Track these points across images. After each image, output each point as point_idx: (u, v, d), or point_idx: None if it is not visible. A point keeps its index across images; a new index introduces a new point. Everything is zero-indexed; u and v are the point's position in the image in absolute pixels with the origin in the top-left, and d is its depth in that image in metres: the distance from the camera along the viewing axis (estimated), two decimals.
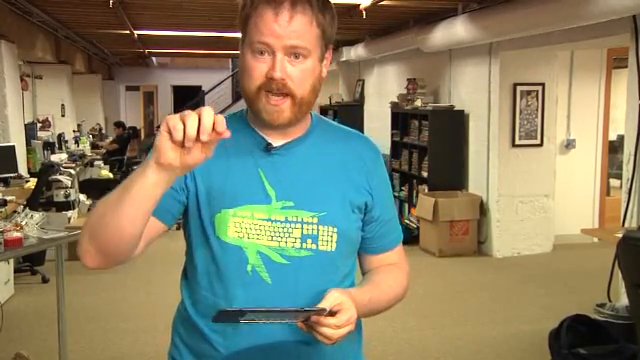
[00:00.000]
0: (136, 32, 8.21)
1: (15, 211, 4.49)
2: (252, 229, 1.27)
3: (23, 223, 3.54)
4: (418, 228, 6.95)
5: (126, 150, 11.68)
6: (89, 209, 7.09)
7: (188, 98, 16.82)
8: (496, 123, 6.38)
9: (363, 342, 1.45)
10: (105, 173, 9.52)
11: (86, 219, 1.19)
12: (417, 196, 7.09)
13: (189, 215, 1.31)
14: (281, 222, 1.27)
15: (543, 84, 6.38)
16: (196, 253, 1.33)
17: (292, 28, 1.19)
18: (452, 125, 6.88)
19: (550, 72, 6.43)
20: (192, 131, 0.99)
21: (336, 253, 1.31)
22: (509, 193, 6.44)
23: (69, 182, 6.64)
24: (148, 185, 1.06)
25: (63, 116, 10.10)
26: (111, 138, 12.05)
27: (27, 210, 4.16)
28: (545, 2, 4.67)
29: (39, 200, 5.68)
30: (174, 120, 1.00)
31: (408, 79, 7.70)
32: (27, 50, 7.10)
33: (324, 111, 9.78)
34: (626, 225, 4.43)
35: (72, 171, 7.31)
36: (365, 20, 6.29)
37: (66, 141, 9.46)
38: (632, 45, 4.43)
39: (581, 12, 4.28)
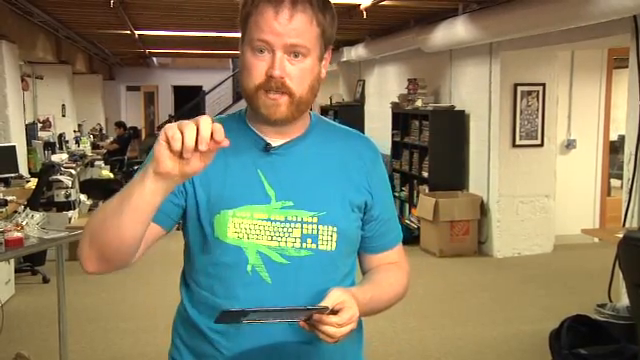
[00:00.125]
0: (137, 32, 8.21)
1: (16, 211, 4.49)
2: (252, 229, 1.27)
3: (24, 223, 3.55)
4: (419, 228, 6.95)
5: (127, 150, 11.69)
6: (90, 209, 7.10)
7: (189, 98, 16.83)
8: (497, 123, 6.37)
9: (364, 342, 1.45)
10: (106, 173, 9.52)
11: (86, 225, 1.19)
12: (418, 196, 7.09)
13: (188, 217, 1.31)
14: (281, 222, 1.27)
15: (544, 84, 6.38)
16: (196, 254, 1.33)
17: (292, 26, 1.20)
18: (453, 125, 6.88)
19: (551, 72, 6.43)
20: (190, 142, 0.99)
21: (336, 253, 1.31)
22: (510, 193, 6.44)
23: (70, 182, 6.64)
24: (147, 194, 1.07)
25: (64, 116, 10.10)
26: (112, 138, 12.05)
27: (28, 210, 4.16)
28: (546, 2, 4.67)
29: (40, 200, 5.68)
30: (172, 130, 1.00)
31: (409, 79, 7.70)
32: (28, 50, 7.11)
33: (325, 111, 9.78)
34: (627, 225, 4.42)
35: (73, 171, 7.31)
36: (366, 20, 6.29)
37: (67, 141, 9.47)
38: (633, 45, 4.43)
39: (582, 12, 4.28)
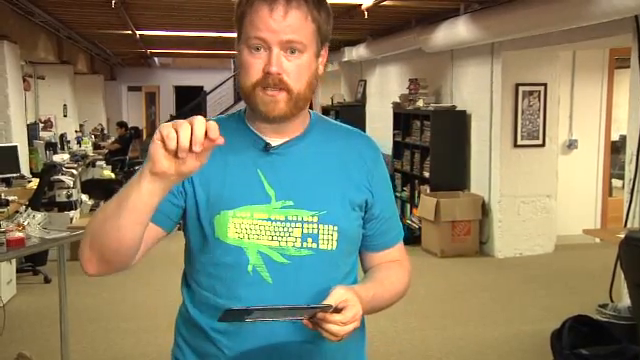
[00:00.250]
0: (138, 32, 8.22)
1: (17, 211, 4.50)
2: (252, 229, 1.27)
3: (25, 223, 3.55)
4: (420, 228, 6.95)
5: (128, 150, 11.69)
6: (91, 209, 7.12)
7: (190, 98, 16.84)
8: (498, 123, 6.37)
9: (366, 341, 1.45)
10: (107, 173, 9.53)
11: (86, 227, 1.20)
12: (419, 196, 7.09)
13: (188, 218, 1.31)
14: (281, 222, 1.27)
15: (545, 84, 6.38)
16: (196, 254, 1.33)
17: (287, 23, 1.20)
18: (454, 125, 6.88)
19: (552, 72, 6.43)
20: (185, 142, 1.00)
21: (337, 252, 1.31)
22: (511, 193, 6.44)
23: (71, 182, 6.65)
24: (144, 195, 1.07)
25: (65, 116, 10.12)
26: (113, 138, 12.05)
27: (29, 210, 4.17)
28: (547, 2, 4.66)
29: (41, 200, 5.69)
30: (167, 129, 1.01)
31: (410, 79, 7.69)
32: (29, 50, 7.12)
33: (326, 111, 9.78)
34: (628, 225, 4.42)
35: (74, 171, 7.32)
36: (367, 20, 6.30)
37: (68, 141, 9.48)
38: (634, 45, 4.43)
39: (583, 12, 4.28)
